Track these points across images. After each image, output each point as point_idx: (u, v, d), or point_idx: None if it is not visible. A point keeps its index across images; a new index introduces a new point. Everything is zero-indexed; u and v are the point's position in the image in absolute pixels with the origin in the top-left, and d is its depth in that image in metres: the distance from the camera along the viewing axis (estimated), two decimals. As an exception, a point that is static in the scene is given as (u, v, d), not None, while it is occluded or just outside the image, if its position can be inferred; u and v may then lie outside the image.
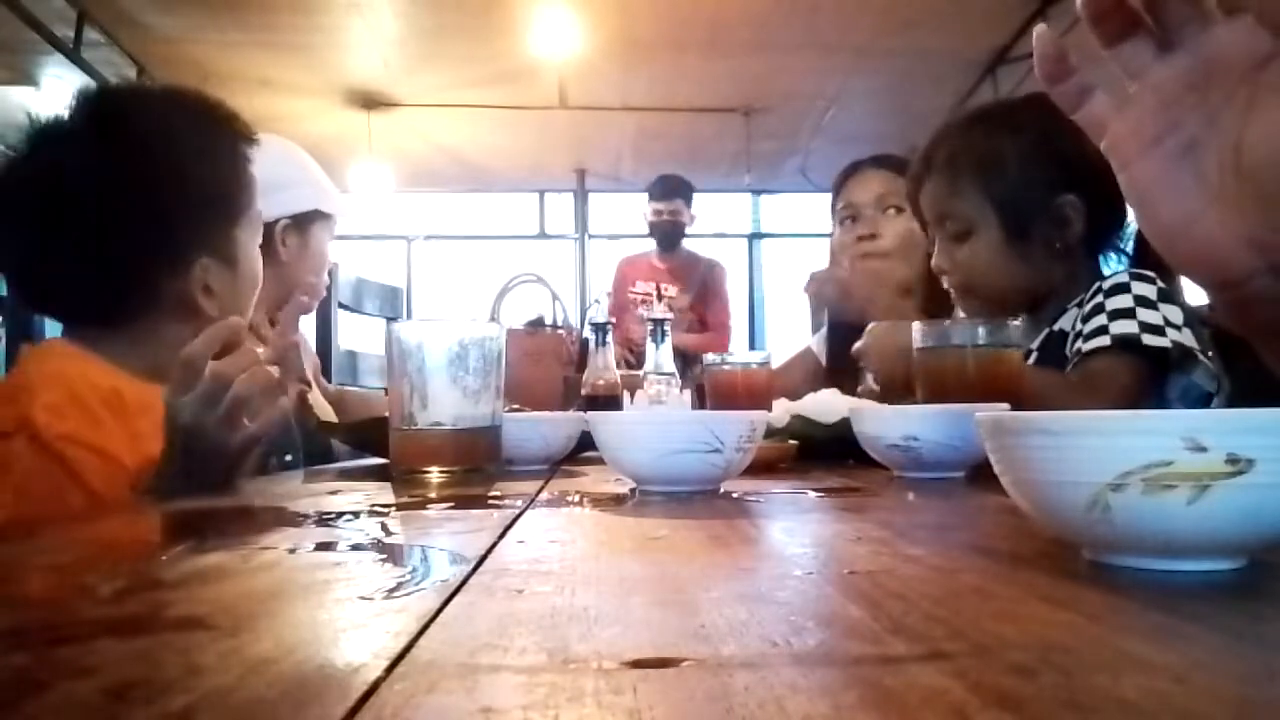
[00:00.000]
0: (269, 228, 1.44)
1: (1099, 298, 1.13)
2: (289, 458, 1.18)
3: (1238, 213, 0.46)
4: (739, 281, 7.54)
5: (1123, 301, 1.10)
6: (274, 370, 1.10)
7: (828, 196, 1.80)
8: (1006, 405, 0.83)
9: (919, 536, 0.48)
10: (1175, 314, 1.09)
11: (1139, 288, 1.10)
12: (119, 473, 0.87)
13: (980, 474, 0.74)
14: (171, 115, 1.04)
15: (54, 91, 4.86)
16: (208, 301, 1.01)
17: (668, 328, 1.50)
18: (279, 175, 1.45)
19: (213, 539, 0.54)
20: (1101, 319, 1.10)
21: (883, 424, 0.81)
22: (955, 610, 0.32)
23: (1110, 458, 0.34)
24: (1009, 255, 1.19)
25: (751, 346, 6.60)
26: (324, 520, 0.60)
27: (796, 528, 0.53)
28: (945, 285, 1.27)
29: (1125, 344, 1.06)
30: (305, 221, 1.51)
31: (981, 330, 0.98)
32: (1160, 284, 1.12)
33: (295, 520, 0.62)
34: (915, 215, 1.32)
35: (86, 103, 1.01)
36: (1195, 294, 1.23)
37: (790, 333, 6.36)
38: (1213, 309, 1.09)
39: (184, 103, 1.05)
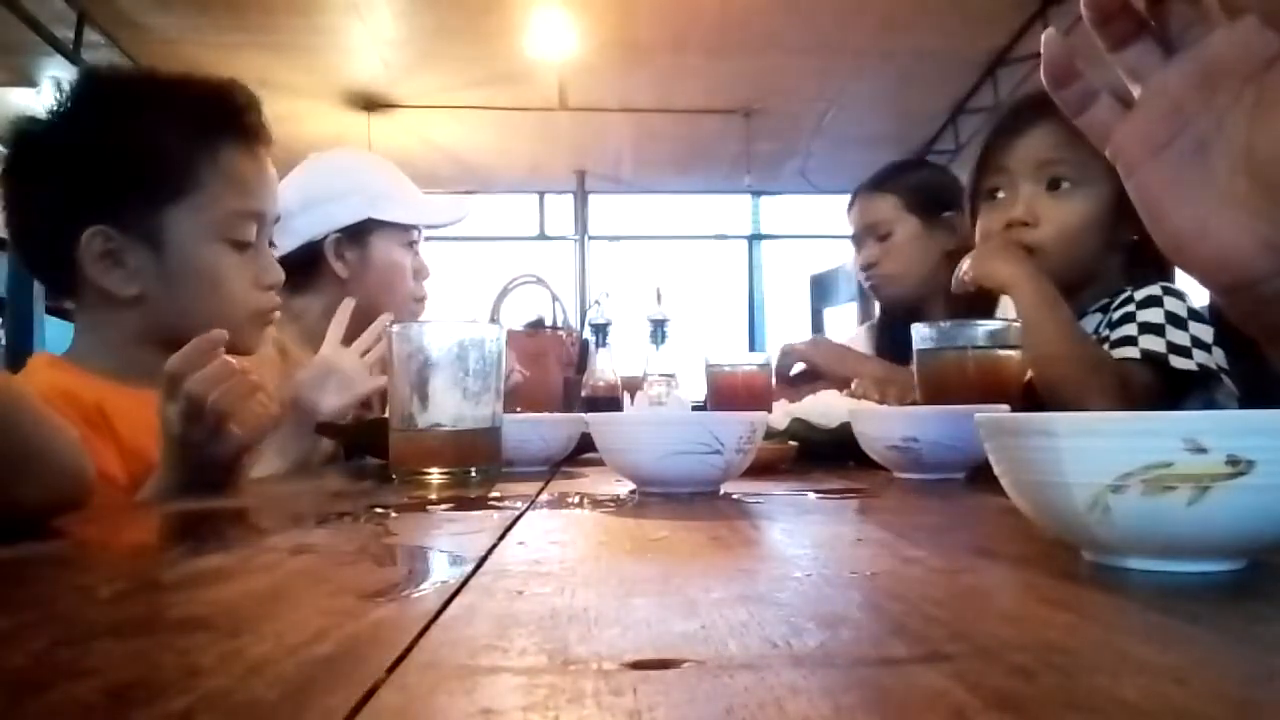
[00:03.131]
0: (318, 245, 1.40)
1: (1129, 307, 1.12)
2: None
3: (1250, 214, 0.45)
4: (739, 282, 7.56)
5: (1154, 316, 1.09)
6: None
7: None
8: (1007, 406, 0.83)
9: (919, 538, 0.48)
10: (1205, 333, 1.08)
11: (1171, 303, 1.10)
12: (108, 487, 0.86)
13: (980, 475, 0.74)
14: (121, 90, 1.01)
15: (54, 93, 4.86)
16: (117, 278, 0.96)
17: (667, 329, 1.50)
18: (323, 190, 1.40)
19: (213, 540, 0.55)
20: (1131, 328, 1.09)
21: (883, 425, 0.81)
22: (955, 612, 0.32)
23: (1110, 459, 0.34)
24: (1101, 222, 1.16)
25: (751, 348, 6.60)
26: (324, 521, 0.60)
27: (797, 529, 0.53)
28: (981, 245, 1.22)
29: (1152, 361, 1.06)
30: (360, 233, 1.44)
31: (981, 331, 0.98)
32: (1190, 302, 1.11)
33: (295, 521, 0.62)
34: (978, 176, 1.27)
35: (74, 81, 1.03)
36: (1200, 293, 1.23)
37: (790, 334, 6.37)
38: (1215, 309, 1.09)
39: (151, 83, 1.03)
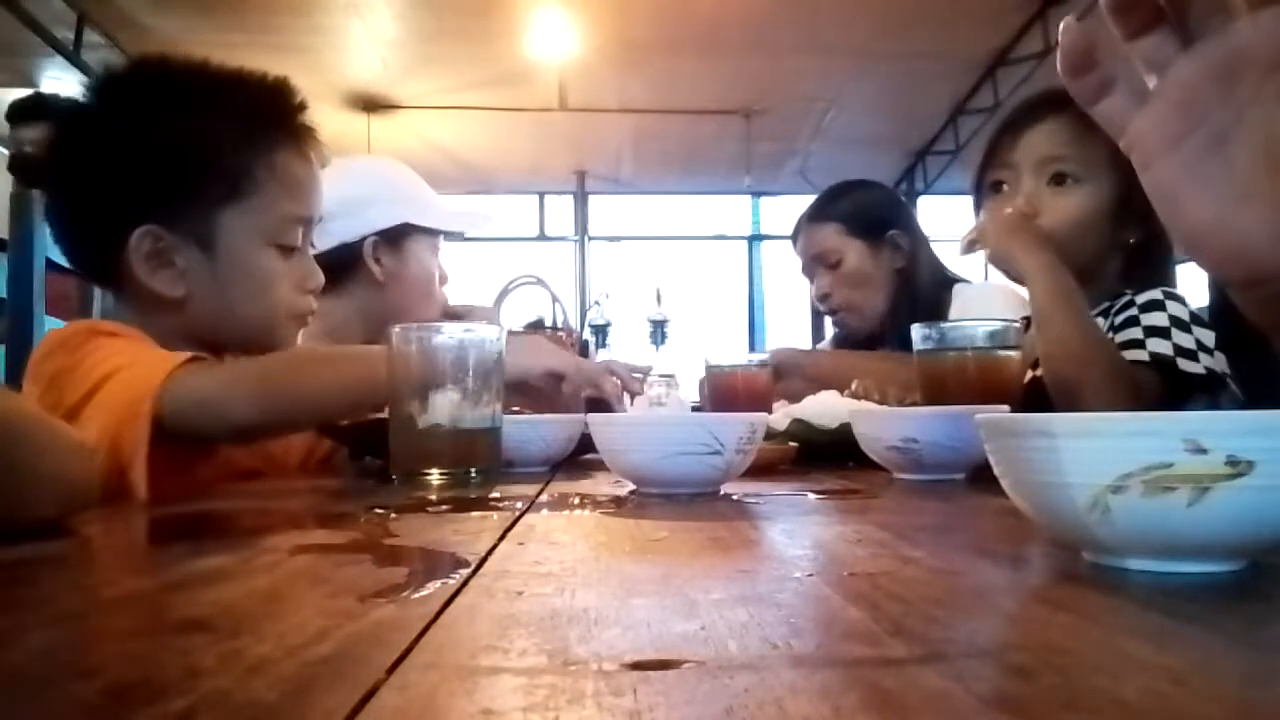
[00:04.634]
0: (357, 248, 1.42)
1: (1132, 310, 1.12)
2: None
3: (1270, 208, 0.45)
4: (739, 282, 7.57)
5: (1158, 319, 1.09)
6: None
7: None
8: (1007, 407, 0.83)
9: (919, 538, 0.48)
10: (1208, 337, 1.08)
11: (1173, 307, 1.10)
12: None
13: (980, 476, 0.74)
14: (178, 84, 0.98)
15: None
16: (164, 278, 0.95)
17: (667, 329, 1.50)
18: (361, 193, 1.42)
19: (213, 540, 0.54)
20: (1136, 331, 1.09)
21: (883, 425, 0.81)
22: (955, 612, 0.32)
23: (1110, 459, 0.34)
24: (1102, 220, 1.16)
25: (751, 348, 6.60)
26: (324, 521, 0.60)
27: (796, 530, 0.53)
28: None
29: (1160, 364, 1.06)
30: (397, 238, 1.45)
31: (981, 332, 0.98)
32: (1191, 306, 1.11)
33: (295, 521, 0.62)
34: (983, 170, 1.26)
35: (125, 69, 1.01)
36: (1195, 289, 1.23)
37: (790, 335, 6.37)
38: (1216, 312, 1.09)
39: (206, 79, 1.00)
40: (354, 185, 1.43)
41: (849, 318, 1.73)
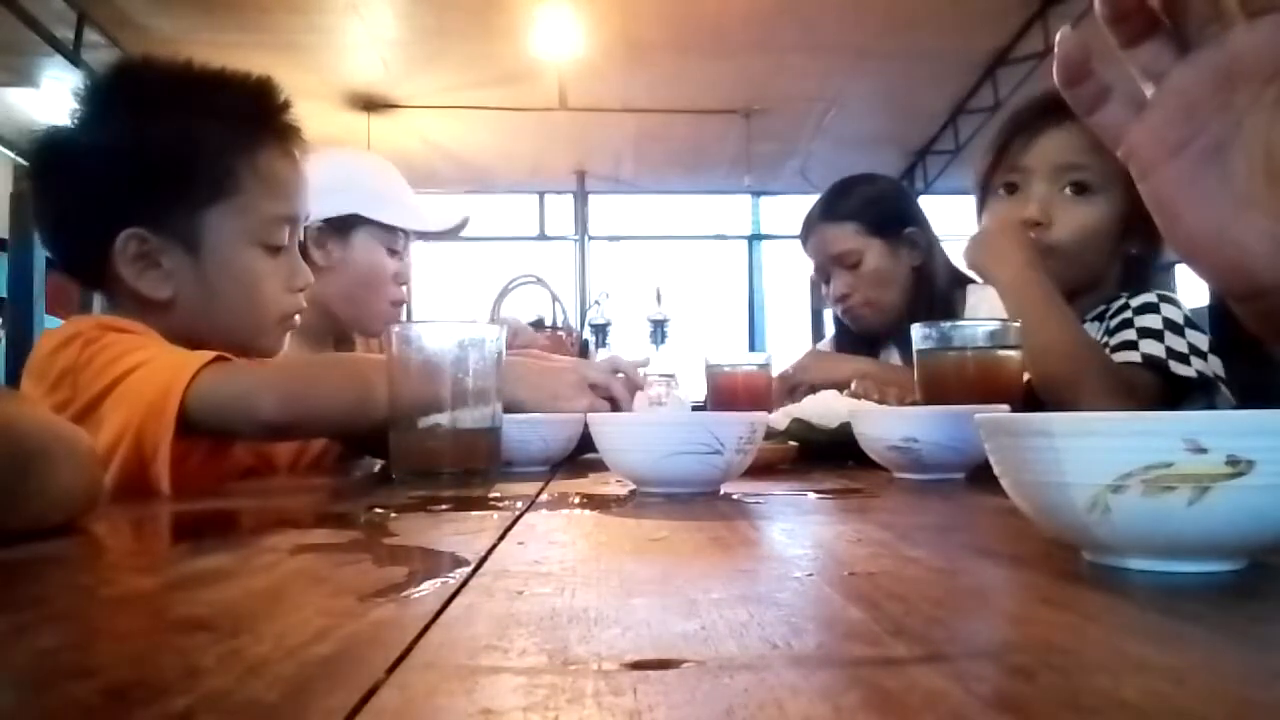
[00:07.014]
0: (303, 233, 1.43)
1: (1126, 313, 1.11)
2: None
3: (1269, 218, 0.44)
4: (739, 282, 7.57)
5: (1151, 321, 1.09)
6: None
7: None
8: (1007, 406, 0.83)
9: (919, 538, 0.48)
10: (1201, 340, 1.08)
11: (1168, 310, 1.10)
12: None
13: (981, 475, 0.74)
14: (160, 86, 0.98)
15: (54, 93, 4.87)
16: (150, 280, 0.95)
17: (667, 329, 1.50)
18: (313, 181, 1.43)
19: (213, 540, 0.54)
20: (1130, 333, 1.09)
21: (883, 426, 0.81)
22: (955, 612, 0.32)
23: (1110, 459, 0.34)
24: (1112, 231, 1.16)
25: (751, 348, 6.60)
26: (324, 521, 0.60)
27: (796, 529, 0.53)
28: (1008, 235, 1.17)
29: (1152, 366, 1.06)
30: (344, 228, 1.45)
31: (981, 331, 0.98)
32: (1186, 310, 1.11)
33: (295, 520, 0.62)
34: (991, 170, 1.24)
35: (108, 72, 1.01)
36: (1194, 291, 1.24)
37: (790, 334, 6.37)
38: (1216, 311, 1.09)
39: (189, 80, 0.99)
40: (310, 173, 1.44)
41: (869, 315, 1.67)
